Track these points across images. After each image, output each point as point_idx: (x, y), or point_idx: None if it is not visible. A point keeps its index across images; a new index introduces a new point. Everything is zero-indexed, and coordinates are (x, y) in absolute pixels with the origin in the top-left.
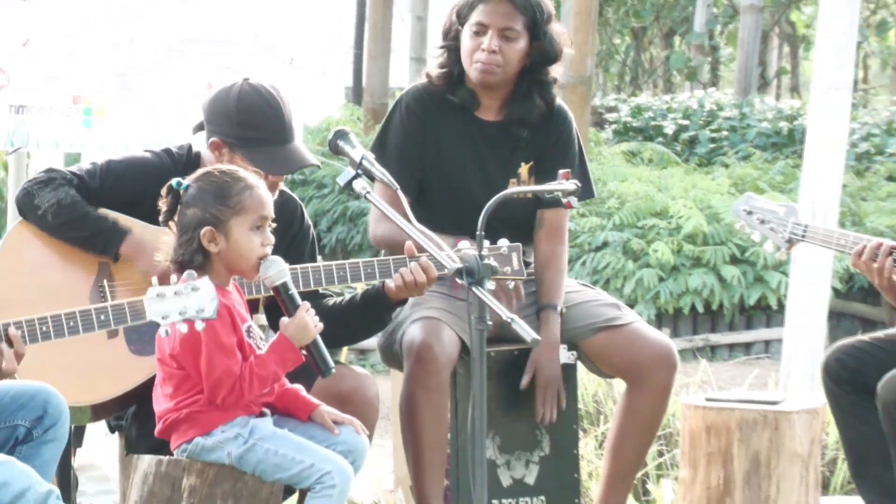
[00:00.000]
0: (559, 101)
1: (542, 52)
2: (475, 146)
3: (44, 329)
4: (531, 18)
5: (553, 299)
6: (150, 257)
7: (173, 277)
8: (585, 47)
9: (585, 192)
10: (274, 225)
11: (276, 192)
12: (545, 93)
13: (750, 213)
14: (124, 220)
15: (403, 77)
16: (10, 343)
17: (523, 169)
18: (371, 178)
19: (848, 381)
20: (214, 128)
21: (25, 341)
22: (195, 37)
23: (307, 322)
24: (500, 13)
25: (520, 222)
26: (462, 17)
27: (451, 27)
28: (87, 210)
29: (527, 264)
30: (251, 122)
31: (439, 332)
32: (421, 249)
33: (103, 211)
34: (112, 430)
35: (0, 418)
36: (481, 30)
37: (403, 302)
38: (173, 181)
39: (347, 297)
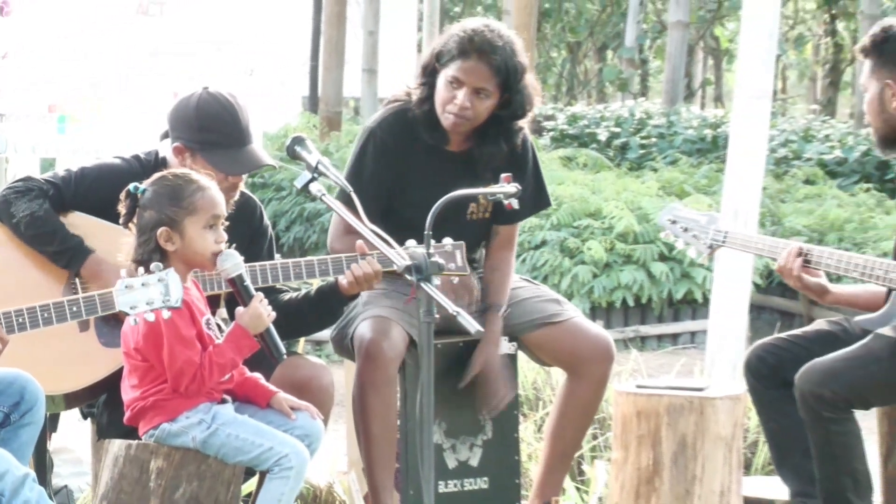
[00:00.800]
0: (525, 133)
1: (511, 106)
2: (441, 174)
3: (20, 320)
4: (504, 79)
5: (498, 300)
6: (108, 279)
7: (140, 270)
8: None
9: (542, 203)
10: (227, 223)
11: (237, 193)
12: (510, 139)
13: (674, 222)
14: (97, 227)
15: (356, 87)
16: None
17: (482, 196)
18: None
19: (768, 377)
20: (177, 133)
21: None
22: (162, 49)
23: (261, 311)
24: (476, 73)
25: (475, 242)
26: (441, 62)
27: (430, 64)
28: (58, 226)
29: (471, 261)
30: (210, 126)
31: (388, 329)
32: (372, 248)
33: (76, 221)
34: (84, 417)
35: None
36: (457, 84)
37: (355, 297)
38: (131, 186)
39: (303, 292)
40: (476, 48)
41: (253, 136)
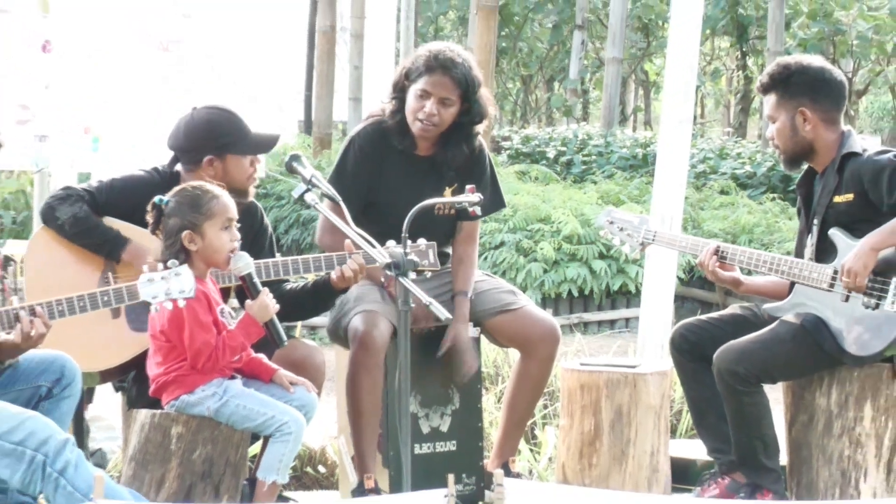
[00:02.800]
0: (480, 139)
1: (471, 113)
2: (411, 176)
3: (60, 308)
4: (464, 90)
5: (464, 288)
6: (145, 262)
7: (160, 266)
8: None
9: (498, 205)
10: (239, 224)
11: (257, 176)
12: (470, 142)
13: (611, 222)
14: (125, 228)
15: (344, 112)
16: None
17: (447, 192)
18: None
19: (689, 351)
20: (200, 151)
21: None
22: (178, 79)
23: (267, 303)
24: (441, 85)
25: (443, 233)
26: (410, 78)
27: (400, 82)
28: (97, 222)
29: (445, 256)
30: (223, 130)
31: (377, 321)
32: (358, 248)
33: (109, 222)
34: (116, 390)
35: (27, 380)
36: (425, 95)
37: (345, 290)
38: (156, 198)
39: (301, 284)
40: (440, 64)
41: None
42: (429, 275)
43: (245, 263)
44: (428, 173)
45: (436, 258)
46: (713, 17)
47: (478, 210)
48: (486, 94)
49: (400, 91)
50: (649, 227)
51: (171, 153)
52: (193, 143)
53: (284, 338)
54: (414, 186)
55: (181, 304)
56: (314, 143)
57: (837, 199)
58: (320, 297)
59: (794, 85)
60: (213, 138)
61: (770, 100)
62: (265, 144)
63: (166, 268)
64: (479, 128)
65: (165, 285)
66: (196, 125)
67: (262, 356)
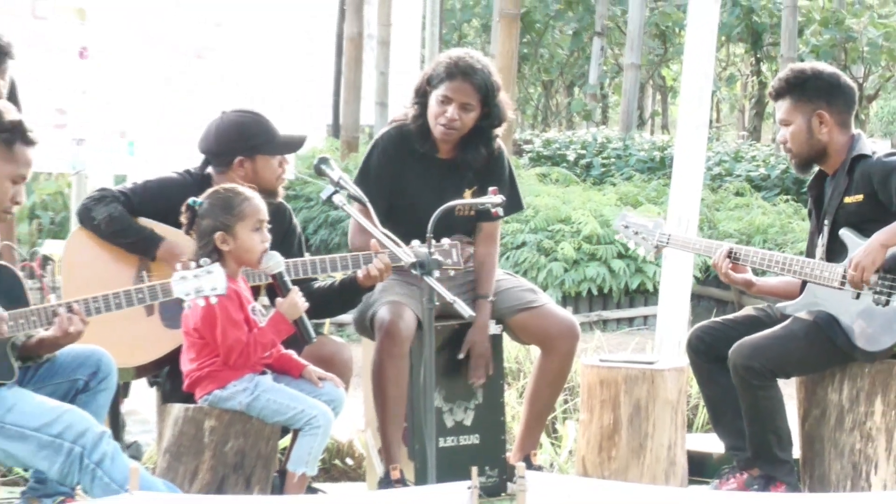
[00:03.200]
0: (499, 142)
1: (491, 117)
2: (433, 178)
3: (97, 305)
4: (484, 95)
5: (484, 291)
6: (178, 259)
7: (192, 265)
8: (508, 95)
9: (516, 206)
10: (269, 225)
11: (285, 175)
12: (489, 145)
13: (627, 226)
14: (159, 228)
15: (370, 117)
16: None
17: (467, 193)
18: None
19: (705, 352)
20: (231, 154)
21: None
22: (210, 85)
23: (297, 302)
24: (462, 91)
25: (463, 233)
26: (432, 84)
27: (422, 87)
28: (131, 222)
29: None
30: (252, 132)
31: (402, 312)
32: (384, 247)
33: (143, 221)
34: (151, 385)
35: (65, 374)
36: (447, 101)
37: (371, 288)
38: (189, 200)
39: (328, 283)
40: (461, 71)
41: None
42: (452, 273)
43: (276, 262)
44: (448, 175)
45: (459, 257)
46: (728, 24)
47: (500, 211)
48: (505, 99)
49: (422, 96)
50: (664, 231)
51: (203, 156)
52: (224, 146)
53: (313, 335)
54: (435, 188)
55: (213, 301)
56: (342, 146)
57: (847, 199)
58: (347, 295)
59: (810, 89)
60: (243, 140)
61: (784, 104)
62: (293, 145)
63: (199, 266)
64: (499, 131)
65: (198, 283)
66: (226, 128)
67: (292, 352)
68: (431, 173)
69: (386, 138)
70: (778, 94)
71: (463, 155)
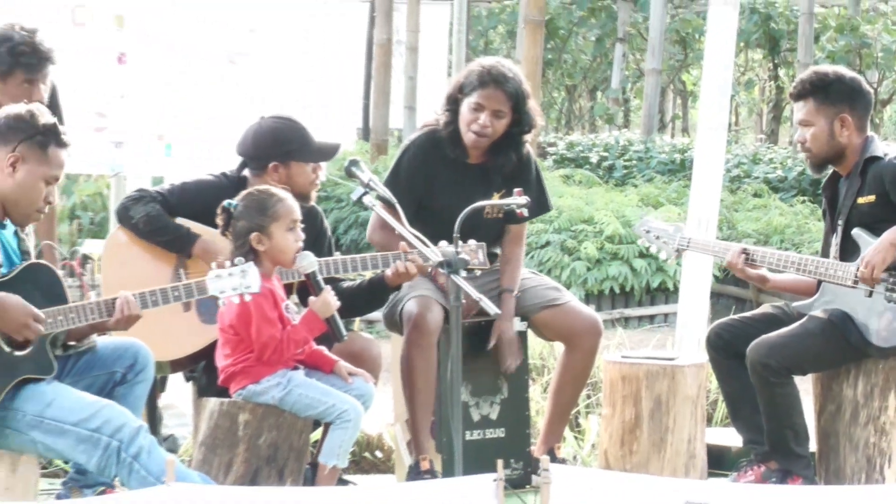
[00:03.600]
0: (527, 146)
1: (521, 124)
2: (462, 182)
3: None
4: (515, 102)
5: (510, 285)
6: (214, 256)
7: (227, 263)
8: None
9: (544, 208)
10: (303, 226)
11: (319, 183)
12: (518, 150)
13: (648, 231)
14: (196, 228)
15: (399, 120)
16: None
17: (495, 197)
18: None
19: (724, 349)
20: (266, 158)
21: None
22: (244, 90)
23: (329, 300)
24: (495, 98)
25: (492, 235)
26: (464, 92)
27: (454, 95)
28: (168, 221)
29: (493, 255)
30: (288, 138)
31: (430, 305)
32: (412, 248)
33: (180, 221)
34: (187, 380)
35: (103, 366)
36: (479, 108)
37: (398, 287)
38: (225, 202)
39: (357, 282)
40: (493, 79)
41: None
42: (478, 273)
43: (310, 262)
44: (478, 180)
45: (485, 257)
46: (747, 30)
47: (525, 211)
48: (534, 106)
49: (453, 103)
50: (684, 235)
51: (240, 159)
52: (259, 150)
53: (344, 333)
54: (464, 192)
55: (247, 298)
56: (372, 149)
57: (860, 200)
58: (375, 293)
59: (834, 93)
60: (279, 145)
61: (806, 105)
62: (327, 153)
63: (233, 265)
64: (528, 137)
65: (232, 281)
66: (263, 133)
67: (323, 348)
68: (461, 178)
69: (417, 143)
70: (800, 96)
71: (493, 160)
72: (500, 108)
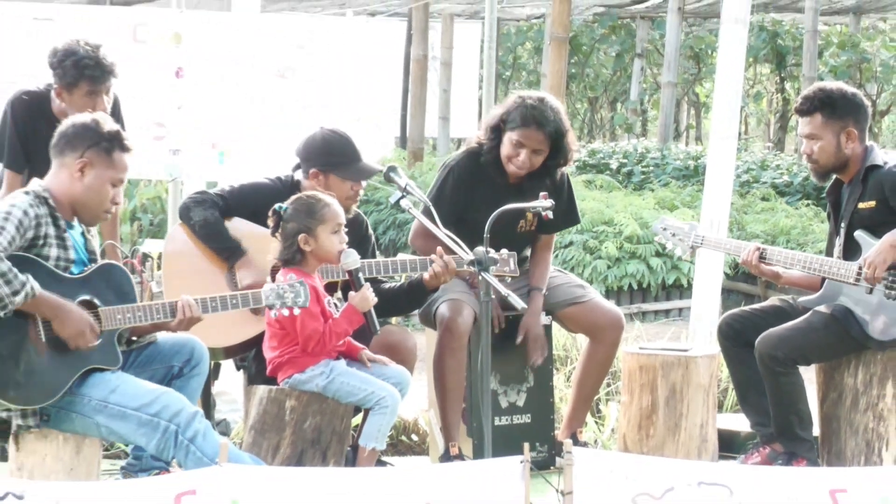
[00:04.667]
0: (562, 171)
1: (557, 157)
2: (501, 199)
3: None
4: (554, 141)
5: (539, 284)
6: (253, 273)
7: (279, 277)
8: (572, 133)
9: (574, 220)
10: (346, 229)
11: (358, 199)
12: (553, 177)
13: (664, 229)
14: (249, 233)
15: (434, 129)
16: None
17: (530, 214)
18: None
19: (734, 338)
20: (311, 162)
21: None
22: (292, 102)
23: (367, 296)
24: (535, 139)
25: (523, 246)
26: (506, 123)
27: (497, 125)
28: (223, 230)
29: (523, 260)
30: (335, 151)
31: (461, 309)
32: (447, 250)
33: (237, 223)
34: (238, 369)
35: (163, 360)
36: (520, 145)
37: (436, 289)
38: (276, 206)
39: (398, 284)
40: (535, 121)
41: (362, 154)
42: (509, 279)
43: (353, 259)
44: (515, 198)
45: (515, 266)
46: (755, 46)
47: (550, 214)
48: (571, 139)
49: (496, 132)
50: (698, 233)
51: (288, 163)
52: (308, 155)
53: (378, 327)
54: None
55: (296, 312)
56: (408, 156)
57: (862, 205)
58: (415, 295)
59: (840, 108)
60: (323, 155)
61: (814, 120)
62: (364, 174)
63: (285, 280)
64: (563, 168)
65: (285, 297)
66: (316, 140)
67: (362, 346)
68: (499, 195)
69: (461, 165)
70: (808, 111)
71: (528, 182)
72: (539, 147)
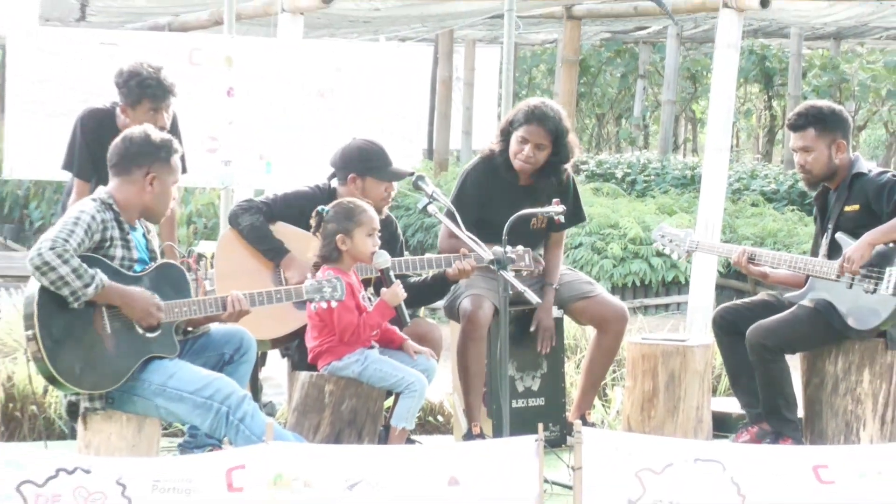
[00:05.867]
0: (568, 170)
1: (560, 155)
2: (514, 200)
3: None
4: (555, 137)
5: (551, 280)
6: (296, 270)
7: (319, 274)
8: (572, 128)
9: (580, 219)
10: (380, 233)
11: (390, 201)
12: (558, 176)
13: (663, 236)
14: (293, 234)
15: (457, 142)
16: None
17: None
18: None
19: (726, 328)
20: (348, 169)
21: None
22: (331, 118)
23: (398, 291)
24: (537, 133)
25: (537, 243)
26: (514, 126)
27: (506, 128)
28: (268, 233)
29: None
30: (370, 156)
31: (482, 303)
32: (470, 250)
33: (281, 229)
34: (283, 357)
35: (215, 349)
36: (524, 141)
37: (456, 281)
38: (319, 208)
39: (423, 277)
40: (537, 118)
41: (393, 159)
42: (525, 274)
43: (384, 259)
44: (527, 198)
45: (531, 261)
46: (745, 68)
47: (562, 218)
48: (573, 139)
49: (506, 135)
50: (693, 238)
51: (327, 173)
52: (345, 163)
53: (408, 319)
54: (516, 208)
55: (333, 305)
56: (434, 166)
57: (847, 208)
58: (437, 287)
59: (830, 123)
60: (361, 161)
61: (807, 135)
62: (398, 176)
63: (324, 276)
64: (567, 166)
65: (322, 291)
66: (351, 149)
67: (395, 328)
68: (513, 196)
69: (477, 169)
70: (800, 126)
71: (538, 182)
72: (542, 142)
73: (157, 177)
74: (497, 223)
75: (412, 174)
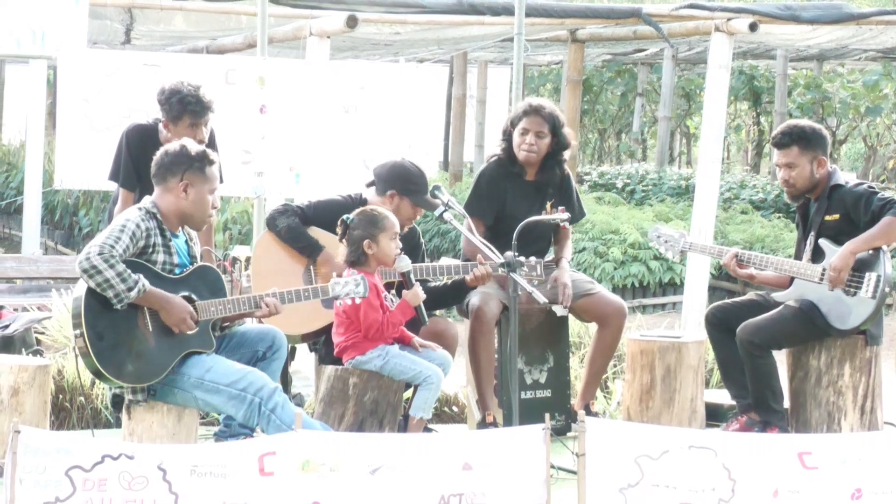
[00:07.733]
0: (567, 169)
1: (558, 144)
2: (525, 195)
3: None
4: (553, 125)
5: (562, 255)
6: (332, 266)
7: (345, 273)
8: (572, 134)
9: (581, 214)
10: (402, 242)
11: (414, 221)
12: (560, 166)
13: (658, 236)
14: (324, 236)
15: (471, 155)
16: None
17: (548, 205)
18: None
19: (718, 325)
20: (390, 185)
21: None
22: (355, 133)
23: (418, 293)
24: (536, 122)
25: (546, 235)
26: (513, 124)
27: (507, 128)
28: (304, 232)
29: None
30: (415, 180)
31: (489, 300)
32: (486, 256)
33: (314, 232)
34: (311, 351)
35: (248, 346)
36: (525, 132)
37: (474, 288)
38: (344, 217)
39: (441, 282)
40: (533, 109)
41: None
42: (535, 282)
43: (405, 263)
44: (535, 192)
45: (542, 271)
46: (735, 87)
47: (567, 224)
48: (568, 131)
49: (508, 135)
50: (687, 239)
51: (366, 179)
52: (392, 177)
53: (427, 319)
54: (526, 201)
55: (358, 301)
56: (450, 177)
57: (828, 218)
58: (456, 292)
59: (812, 140)
60: (406, 182)
61: (791, 152)
62: (431, 206)
63: (348, 275)
64: (566, 154)
65: (348, 288)
66: (400, 167)
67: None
68: (523, 191)
69: (489, 168)
70: (785, 144)
71: (542, 176)
72: (541, 129)
73: (190, 184)
74: (511, 219)
75: (441, 207)
